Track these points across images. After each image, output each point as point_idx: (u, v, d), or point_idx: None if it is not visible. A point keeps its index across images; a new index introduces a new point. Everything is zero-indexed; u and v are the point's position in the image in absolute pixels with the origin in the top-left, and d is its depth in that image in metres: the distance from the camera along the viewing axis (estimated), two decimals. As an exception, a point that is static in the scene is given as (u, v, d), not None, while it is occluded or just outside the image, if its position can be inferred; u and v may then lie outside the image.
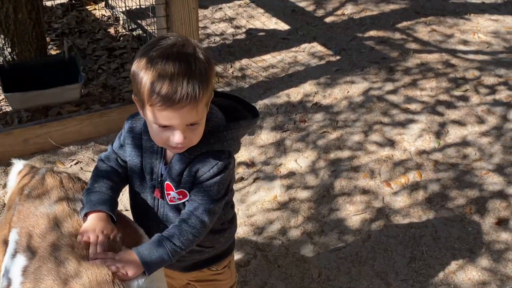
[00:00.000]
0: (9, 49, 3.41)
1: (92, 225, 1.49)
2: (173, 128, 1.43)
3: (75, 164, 3.13)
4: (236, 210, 2.02)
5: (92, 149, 3.23)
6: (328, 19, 4.92)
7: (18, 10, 3.32)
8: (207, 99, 1.46)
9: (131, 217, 1.73)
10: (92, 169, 3.11)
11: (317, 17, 4.96)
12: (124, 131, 1.64)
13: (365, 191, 2.97)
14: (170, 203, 1.60)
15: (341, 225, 2.76)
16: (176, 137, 1.44)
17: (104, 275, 1.38)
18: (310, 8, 5.12)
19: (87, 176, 2.99)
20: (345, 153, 3.24)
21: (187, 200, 1.57)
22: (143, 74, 1.39)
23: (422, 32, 4.64)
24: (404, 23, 4.81)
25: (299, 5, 5.16)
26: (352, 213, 2.83)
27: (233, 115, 1.61)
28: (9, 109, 3.29)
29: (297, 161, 3.20)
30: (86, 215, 1.54)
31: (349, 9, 5.06)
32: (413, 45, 4.43)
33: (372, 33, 4.65)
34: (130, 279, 1.44)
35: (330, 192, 2.97)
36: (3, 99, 3.31)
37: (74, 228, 1.51)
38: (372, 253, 2.60)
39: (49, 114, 3.25)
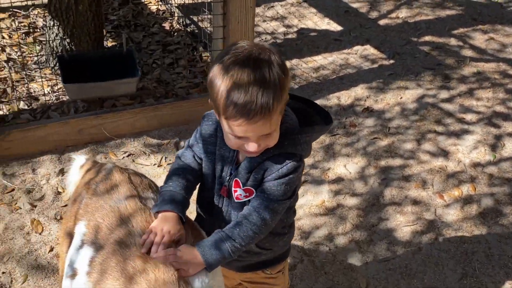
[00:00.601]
0: (67, 40, 3.48)
1: (160, 224, 1.51)
2: (247, 139, 1.45)
3: (127, 156, 3.18)
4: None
5: (144, 142, 3.27)
6: (382, 22, 4.83)
7: (79, 2, 3.38)
8: (282, 108, 1.47)
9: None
10: (143, 161, 3.16)
11: (370, 19, 4.88)
12: (199, 130, 1.65)
13: (416, 202, 2.91)
14: (236, 200, 1.61)
15: (390, 235, 2.71)
16: (251, 147, 1.47)
17: (171, 275, 1.40)
18: (364, 9, 5.04)
19: (138, 169, 3.04)
20: (397, 161, 3.18)
21: (253, 198, 1.58)
22: (219, 82, 1.41)
23: (479, 39, 4.51)
24: (461, 30, 4.68)
25: (353, 6, 5.09)
26: (403, 223, 2.78)
27: (306, 119, 1.60)
28: (65, 98, 3.37)
29: (346, 166, 3.16)
30: (157, 212, 1.56)
31: (403, 13, 4.96)
32: (469, 53, 4.31)
33: (427, 38, 4.54)
34: (192, 276, 1.45)
35: (380, 200, 2.92)
36: (60, 88, 3.39)
37: (142, 224, 1.53)
38: (422, 266, 2.55)
39: (104, 105, 3.31)
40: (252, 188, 1.57)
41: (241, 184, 1.58)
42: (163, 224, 1.51)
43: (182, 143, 3.31)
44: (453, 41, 4.49)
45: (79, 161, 1.95)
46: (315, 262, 2.57)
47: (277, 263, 1.85)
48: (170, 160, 3.17)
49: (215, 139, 1.60)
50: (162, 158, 3.19)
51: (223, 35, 3.33)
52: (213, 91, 1.43)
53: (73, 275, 1.54)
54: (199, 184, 1.70)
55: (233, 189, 1.60)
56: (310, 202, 2.91)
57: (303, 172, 3.06)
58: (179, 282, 1.40)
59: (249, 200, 1.59)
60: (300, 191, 2.97)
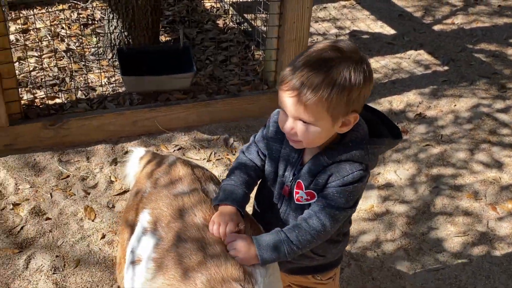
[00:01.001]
0: (125, 33, 3.56)
1: (220, 218, 1.54)
2: (287, 116, 1.50)
3: (178, 149, 3.23)
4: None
5: (194, 137, 3.31)
6: (436, 27, 4.74)
7: (138, -4, 3.45)
8: (327, 109, 1.45)
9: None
10: (192, 156, 3.20)
11: (425, 24, 4.79)
12: (266, 127, 1.67)
13: (468, 213, 2.84)
14: (296, 202, 1.61)
15: (440, 245, 2.67)
16: (286, 124, 1.50)
17: (238, 273, 1.42)
18: (418, 14, 4.96)
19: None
20: (449, 170, 3.12)
21: (313, 202, 1.58)
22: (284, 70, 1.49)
23: (539, 49, 4.37)
24: (519, 38, 4.55)
25: (407, 10, 5.01)
26: (453, 234, 2.72)
27: (375, 131, 1.59)
28: (121, 90, 3.45)
29: (397, 172, 3.12)
30: (217, 205, 1.59)
31: (459, 19, 4.85)
32: (528, 63, 4.18)
33: (483, 45, 4.43)
34: (253, 268, 1.49)
35: (430, 209, 2.87)
36: (116, 80, 3.47)
37: (205, 215, 1.56)
38: (472, 279, 2.49)
39: (158, 99, 3.37)
40: (314, 192, 1.57)
41: (303, 187, 1.58)
42: (222, 218, 1.53)
43: (231, 140, 3.34)
44: (510, 51, 4.36)
45: (138, 153, 2.00)
46: (362, 267, 2.55)
47: (329, 270, 1.84)
48: (219, 155, 3.20)
49: (281, 137, 1.61)
50: (211, 153, 3.22)
51: (277, 34, 3.34)
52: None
53: (137, 261, 1.58)
54: (261, 182, 1.72)
55: (294, 190, 1.60)
56: (358, 206, 2.88)
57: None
58: (245, 275, 1.41)
59: (309, 204, 1.60)
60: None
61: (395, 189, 3.00)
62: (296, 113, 1.46)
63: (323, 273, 1.84)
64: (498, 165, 3.15)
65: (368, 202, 2.91)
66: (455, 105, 3.67)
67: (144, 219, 1.64)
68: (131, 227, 1.72)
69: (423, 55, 4.31)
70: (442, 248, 2.65)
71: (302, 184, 1.58)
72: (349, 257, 2.60)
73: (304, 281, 1.86)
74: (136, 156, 1.98)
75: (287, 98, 1.45)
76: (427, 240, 2.70)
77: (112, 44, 3.64)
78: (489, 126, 3.46)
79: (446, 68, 4.13)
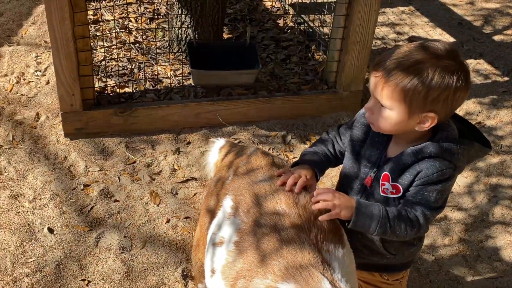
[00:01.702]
0: (192, 28, 3.68)
1: (297, 169, 1.69)
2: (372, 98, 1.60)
3: (237, 143, 3.32)
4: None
5: (253, 132, 3.40)
6: (496, 37, 4.70)
7: (207, -7, 3.57)
8: (404, 99, 1.53)
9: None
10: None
11: (484, 33, 4.75)
12: (355, 125, 1.76)
13: (527, 224, 2.84)
14: (381, 194, 1.67)
15: (498, 254, 2.67)
16: (368, 103, 1.62)
17: (311, 253, 1.49)
18: (478, 23, 4.92)
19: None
20: (508, 181, 3.11)
21: (398, 198, 1.63)
22: None
23: None
24: None
25: (467, 18, 4.98)
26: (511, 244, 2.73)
27: (465, 137, 1.64)
28: (187, 83, 3.57)
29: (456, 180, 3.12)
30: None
31: (520, 30, 4.79)
32: None
33: (546, 58, 4.37)
34: (338, 218, 1.59)
35: (488, 217, 2.87)
36: (182, 73, 3.60)
37: (286, 202, 1.64)
38: (531, 289, 2.50)
39: (221, 93, 3.48)
40: (400, 186, 1.63)
41: (390, 179, 1.64)
42: (300, 170, 1.67)
43: (289, 137, 3.41)
44: None
45: (219, 143, 2.10)
46: (420, 269, 2.58)
47: (397, 271, 1.88)
48: (277, 151, 3.28)
49: (365, 138, 1.71)
50: (269, 149, 3.30)
51: (342, 35, 3.40)
52: None
53: (219, 243, 1.67)
54: (342, 172, 1.79)
55: (381, 182, 1.66)
56: (415, 209, 2.92)
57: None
58: (323, 262, 1.48)
59: (393, 198, 1.65)
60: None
61: (454, 196, 3.01)
62: (375, 93, 1.57)
63: (391, 273, 1.87)
64: (559, 178, 3.13)
65: (426, 207, 2.93)
66: (516, 116, 3.65)
67: (227, 204, 1.72)
68: (212, 212, 1.81)
69: (482, 65, 4.28)
70: (500, 257, 2.66)
71: (389, 176, 1.64)
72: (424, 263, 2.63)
73: (370, 278, 1.89)
74: (217, 147, 2.08)
75: (373, 78, 1.57)
76: (485, 247, 2.70)
77: (178, 39, 3.77)
78: (550, 139, 3.43)
79: (506, 78, 4.10)
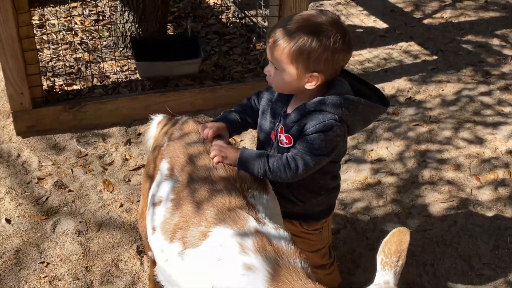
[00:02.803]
0: (136, 25, 3.84)
1: (209, 124, 1.97)
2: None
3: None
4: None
5: (202, 120, 3.59)
6: (426, 21, 5.03)
7: (148, -9, 3.73)
8: (291, 61, 1.78)
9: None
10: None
11: (415, 18, 5.08)
12: (267, 87, 2.02)
13: (452, 183, 3.12)
14: (279, 145, 1.92)
15: (427, 210, 2.94)
16: (266, 68, 1.89)
17: (237, 198, 1.69)
18: (409, 9, 5.25)
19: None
20: (435, 146, 3.39)
21: (292, 147, 1.89)
22: None
23: (522, 40, 4.66)
24: (504, 30, 4.84)
25: (398, 5, 5.31)
26: (440, 200, 2.99)
27: (360, 95, 1.87)
28: (133, 77, 3.72)
29: (388, 148, 3.39)
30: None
31: (448, 13, 5.14)
32: (510, 52, 4.47)
33: (470, 37, 4.72)
34: (224, 163, 1.85)
35: (418, 179, 3.14)
36: (128, 68, 3.75)
37: (209, 162, 1.84)
38: (457, 238, 2.76)
39: (168, 85, 3.65)
40: (290, 136, 1.89)
41: (284, 131, 1.89)
42: (213, 123, 1.96)
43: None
44: (495, 41, 4.65)
45: (157, 119, 2.28)
46: (357, 228, 2.82)
47: (312, 220, 2.12)
48: (224, 136, 3.47)
49: (272, 98, 1.98)
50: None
51: (278, 24, 3.62)
52: None
53: (158, 202, 1.85)
54: (258, 131, 2.04)
55: (279, 134, 1.92)
56: (353, 177, 3.16)
57: (348, 152, 3.32)
58: (248, 205, 1.68)
59: (288, 148, 1.90)
60: (343, 168, 3.22)
61: (387, 163, 3.27)
62: (270, 58, 1.83)
63: (308, 222, 2.11)
64: (481, 141, 3.43)
65: (362, 174, 3.18)
66: (443, 90, 3.95)
67: (164, 167, 1.91)
68: (151, 178, 1.99)
69: (413, 46, 4.59)
70: (429, 212, 2.93)
71: (283, 129, 1.90)
72: (345, 220, 2.87)
73: (293, 229, 2.11)
74: (156, 122, 2.26)
75: (267, 44, 1.83)
76: (416, 205, 2.97)
77: (124, 36, 3.92)
78: (473, 108, 3.74)
79: (435, 57, 4.41)
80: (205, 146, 1.91)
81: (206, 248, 1.65)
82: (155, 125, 2.27)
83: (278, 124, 1.94)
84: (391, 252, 1.45)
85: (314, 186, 2.02)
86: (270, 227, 1.65)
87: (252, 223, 1.63)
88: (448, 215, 2.90)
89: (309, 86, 1.82)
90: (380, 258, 1.45)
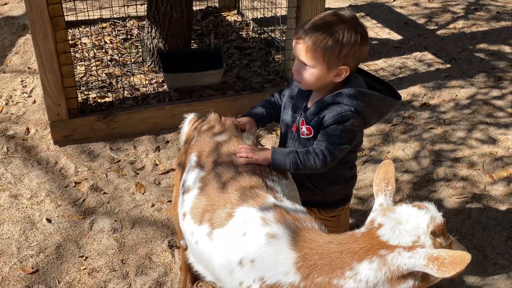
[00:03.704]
0: (163, 41, 4.10)
1: (237, 118, 2.16)
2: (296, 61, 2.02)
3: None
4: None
5: (225, 128, 3.80)
6: (439, 32, 5.21)
7: (173, 10, 4.00)
8: (326, 57, 1.93)
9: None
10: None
11: (428, 29, 5.27)
12: (290, 84, 2.24)
13: (466, 179, 3.25)
14: (301, 136, 2.10)
15: (442, 205, 3.07)
16: (294, 66, 2.04)
17: (258, 180, 1.88)
18: (422, 21, 5.44)
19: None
20: (449, 147, 3.54)
21: (312, 138, 2.07)
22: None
23: (534, 47, 4.80)
24: (516, 39, 4.99)
25: (412, 18, 5.50)
26: (454, 196, 3.13)
27: (374, 89, 2.06)
28: (161, 89, 3.96)
29: (404, 150, 3.54)
30: None
31: (460, 24, 5.31)
32: (523, 58, 4.61)
33: (483, 46, 4.88)
34: (258, 163, 1.99)
35: (433, 177, 3.29)
36: (156, 82, 3.99)
37: (236, 147, 2.04)
38: (471, 230, 2.89)
39: (193, 96, 3.88)
40: (311, 128, 2.07)
41: (305, 123, 2.08)
42: (241, 118, 2.15)
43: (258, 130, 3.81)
44: (507, 49, 4.80)
45: (190, 117, 2.49)
46: (374, 222, 2.96)
47: (331, 208, 2.30)
48: (247, 142, 3.67)
49: (294, 94, 2.18)
50: (240, 141, 3.69)
51: (295, 36, 3.84)
52: None
53: (187, 191, 2.04)
54: (280, 124, 2.22)
55: (300, 126, 2.10)
56: (370, 177, 3.32)
57: (366, 153, 3.47)
58: (267, 187, 1.87)
59: (309, 139, 2.08)
60: (359, 168, 3.39)
61: (403, 163, 3.42)
62: (300, 56, 1.98)
63: (326, 209, 2.29)
64: (494, 141, 3.57)
65: (379, 174, 3.34)
66: (456, 95, 4.10)
67: (192, 159, 2.11)
68: (182, 169, 2.20)
69: (427, 56, 4.76)
70: (444, 207, 3.06)
71: (304, 120, 2.08)
72: (363, 215, 3.01)
73: (313, 217, 2.28)
74: (188, 120, 2.48)
75: (296, 45, 1.98)
76: (430, 200, 3.10)
77: (151, 52, 4.18)
78: (486, 111, 3.88)
79: (448, 66, 4.58)
80: (228, 136, 2.10)
81: (232, 226, 1.83)
82: (187, 123, 2.49)
83: (299, 118, 2.13)
84: (380, 180, 1.70)
85: (333, 175, 2.20)
86: (287, 203, 1.83)
87: (270, 200, 1.82)
88: (463, 210, 3.03)
89: (338, 79, 2.01)
90: (374, 189, 1.71)
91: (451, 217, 2.99)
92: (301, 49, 1.95)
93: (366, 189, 3.21)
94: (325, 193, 2.23)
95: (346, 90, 2.00)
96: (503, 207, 3.04)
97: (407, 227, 1.58)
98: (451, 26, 5.31)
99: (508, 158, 3.40)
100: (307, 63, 1.97)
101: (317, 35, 1.92)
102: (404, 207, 1.63)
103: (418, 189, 3.19)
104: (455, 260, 1.48)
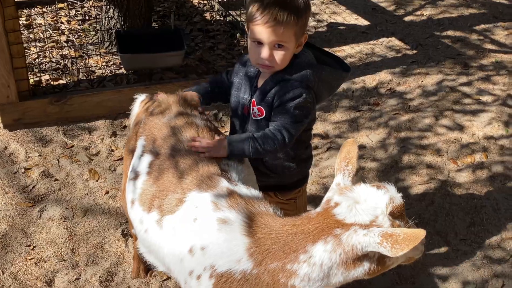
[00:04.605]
0: (121, 22, 3.92)
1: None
2: (262, 46, 1.84)
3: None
4: (310, 171, 2.34)
5: (186, 113, 3.65)
6: (407, 18, 5.15)
7: (133, -11, 3.82)
8: (296, 30, 1.83)
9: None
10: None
11: (396, 16, 5.20)
12: (236, 64, 2.10)
13: (431, 166, 3.20)
14: (253, 118, 1.99)
15: (406, 192, 3.01)
16: (263, 53, 1.86)
17: (215, 167, 1.76)
18: (391, 7, 5.37)
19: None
20: (415, 133, 3.48)
21: (264, 119, 1.95)
22: (254, 9, 1.85)
23: (499, 34, 4.78)
24: (482, 26, 4.97)
25: (380, 4, 5.43)
26: (418, 182, 3.07)
27: (323, 63, 1.95)
28: (119, 72, 3.79)
29: (369, 136, 3.47)
30: None
31: (428, 11, 5.27)
32: (489, 46, 4.59)
33: (450, 32, 4.84)
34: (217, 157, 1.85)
35: (398, 164, 3.22)
36: (113, 63, 3.82)
37: (190, 134, 1.89)
38: (434, 216, 2.84)
39: (152, 78, 3.72)
40: (262, 108, 1.95)
41: (256, 104, 1.96)
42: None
43: (220, 114, 3.68)
44: (474, 36, 4.77)
45: (140, 98, 2.33)
46: (337, 210, 2.88)
47: (287, 191, 2.19)
48: (209, 128, 3.54)
49: (246, 62, 2.05)
50: (202, 126, 3.56)
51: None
52: (247, 9, 1.87)
53: (136, 177, 1.90)
54: (230, 107, 2.11)
55: (251, 107, 1.98)
56: (334, 163, 3.23)
57: (330, 140, 3.37)
58: (221, 171, 1.75)
59: (261, 120, 1.96)
60: (325, 155, 3.30)
61: (367, 150, 3.35)
62: (277, 38, 1.82)
63: (282, 192, 2.18)
64: (460, 128, 3.52)
65: (343, 160, 3.26)
66: (422, 81, 4.05)
67: (141, 143, 1.97)
68: (131, 154, 2.05)
69: (394, 42, 4.70)
70: (408, 193, 3.00)
71: (255, 101, 1.96)
72: (326, 202, 2.93)
73: (269, 200, 2.18)
74: (139, 101, 2.32)
75: (266, 29, 1.81)
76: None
77: (109, 33, 3.99)
78: (452, 97, 3.84)
79: (414, 51, 4.52)
80: (180, 120, 1.96)
81: (182, 212, 1.71)
82: (138, 104, 2.33)
83: (250, 98, 2.01)
84: (341, 159, 1.62)
85: (287, 157, 2.09)
86: (242, 187, 1.72)
87: (224, 184, 1.70)
88: (426, 195, 2.98)
89: (299, 50, 1.90)
90: (335, 168, 1.64)
91: (413, 202, 2.93)
92: (274, 30, 1.81)
93: (331, 177, 3.13)
94: (281, 176, 2.13)
95: (295, 67, 1.91)
96: (466, 193, 2.99)
97: (364, 206, 1.49)
98: (419, 12, 5.26)
99: (474, 144, 3.37)
100: (283, 42, 1.84)
101: (287, 11, 1.80)
102: (363, 186, 1.54)
103: (382, 176, 3.12)
104: (409, 236, 1.40)
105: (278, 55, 1.86)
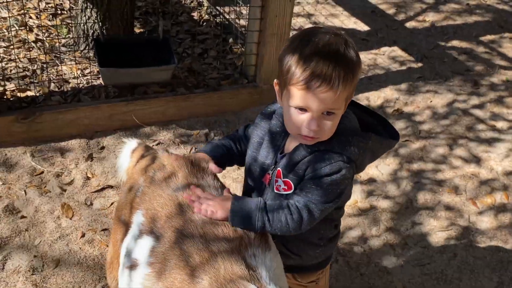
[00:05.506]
0: (99, 23, 3.43)
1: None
2: (306, 112, 1.45)
3: (156, 144, 3.13)
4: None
5: (173, 132, 3.23)
6: (408, 24, 4.80)
7: (114, -14, 3.33)
8: (350, 92, 1.46)
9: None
10: (173, 151, 3.11)
11: (397, 20, 4.84)
12: (258, 118, 1.71)
13: (449, 208, 2.88)
14: (275, 191, 1.59)
15: (424, 240, 2.69)
16: (312, 124, 1.45)
17: (240, 266, 1.36)
18: (390, 11, 5.00)
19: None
20: (429, 165, 3.15)
21: (292, 194, 1.56)
22: (294, 66, 1.43)
23: (507, 47, 4.49)
24: (488, 37, 4.66)
25: (379, 7, 5.05)
26: (437, 228, 2.75)
27: (368, 129, 1.56)
28: (96, 82, 3.32)
29: (378, 167, 3.13)
30: None
31: (430, 16, 4.92)
32: (497, 60, 4.29)
33: (455, 43, 4.52)
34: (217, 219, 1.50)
35: (413, 204, 2.89)
36: (91, 72, 3.34)
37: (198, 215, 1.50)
38: (458, 273, 2.52)
39: (135, 92, 3.26)
40: (290, 182, 1.55)
41: (282, 175, 1.56)
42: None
43: (212, 134, 3.27)
44: (481, 48, 4.46)
45: (130, 145, 1.90)
46: (349, 262, 2.54)
47: (308, 272, 1.80)
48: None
49: (273, 114, 1.65)
50: (192, 148, 3.14)
51: (259, 27, 3.29)
52: (282, 63, 1.46)
53: (133, 266, 1.50)
54: (245, 172, 1.71)
55: (275, 178, 1.58)
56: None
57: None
58: (248, 270, 1.36)
59: (286, 195, 1.57)
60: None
61: (378, 185, 3.00)
62: (329, 105, 1.43)
63: (302, 274, 1.79)
64: (476, 160, 3.21)
65: (352, 198, 2.89)
66: (431, 101, 3.72)
67: (138, 220, 1.56)
68: (124, 226, 1.64)
69: (397, 52, 4.35)
70: (426, 243, 2.68)
71: (281, 172, 1.56)
72: (336, 252, 2.58)
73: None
74: (128, 149, 1.88)
75: (320, 94, 1.40)
76: (411, 235, 2.71)
77: (85, 35, 3.50)
78: (465, 122, 3.52)
79: (420, 64, 4.18)
80: (188, 195, 1.56)
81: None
82: (128, 153, 1.89)
83: (273, 166, 1.61)
84: None
85: (313, 237, 1.70)
86: None
87: (252, 290, 1.31)
88: (447, 246, 2.66)
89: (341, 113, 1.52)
90: None
91: (434, 255, 2.61)
92: (327, 95, 1.41)
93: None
94: (303, 257, 1.73)
95: (337, 136, 1.51)
96: (490, 244, 2.69)
97: None
98: (421, 18, 4.91)
99: (493, 181, 3.06)
100: (335, 109, 1.44)
101: (341, 71, 1.40)
102: None
103: (397, 219, 2.79)
104: None
105: (328, 125, 1.46)
